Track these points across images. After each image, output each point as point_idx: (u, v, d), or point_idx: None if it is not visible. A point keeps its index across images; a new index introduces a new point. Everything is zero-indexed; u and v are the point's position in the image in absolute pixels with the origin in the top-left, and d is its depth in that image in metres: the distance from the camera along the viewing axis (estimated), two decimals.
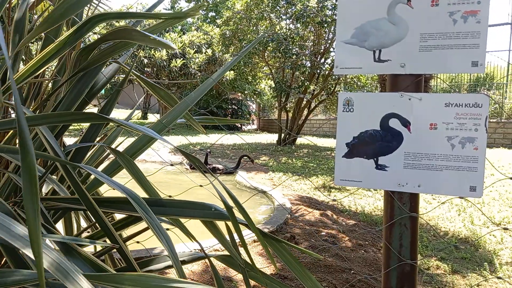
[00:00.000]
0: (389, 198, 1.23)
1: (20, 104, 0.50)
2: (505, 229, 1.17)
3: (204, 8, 25.59)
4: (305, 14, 8.56)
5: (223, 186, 0.92)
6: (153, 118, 20.93)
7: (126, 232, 1.36)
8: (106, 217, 1.44)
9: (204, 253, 1.10)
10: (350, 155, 1.24)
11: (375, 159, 1.21)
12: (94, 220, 0.98)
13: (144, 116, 20.34)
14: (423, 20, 1.15)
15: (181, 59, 14.99)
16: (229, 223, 1.11)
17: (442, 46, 1.13)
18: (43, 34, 1.55)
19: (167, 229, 1.32)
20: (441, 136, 1.14)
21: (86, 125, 1.40)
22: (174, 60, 14.87)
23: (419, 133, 1.16)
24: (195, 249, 2.40)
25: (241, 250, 2.75)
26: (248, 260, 1.01)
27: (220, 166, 6.89)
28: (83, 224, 1.57)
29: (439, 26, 1.13)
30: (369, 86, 10.53)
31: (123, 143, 1.55)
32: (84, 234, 1.35)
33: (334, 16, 8.76)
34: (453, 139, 1.13)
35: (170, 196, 1.34)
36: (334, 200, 1.59)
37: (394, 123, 1.18)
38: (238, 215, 0.97)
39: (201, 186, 1.35)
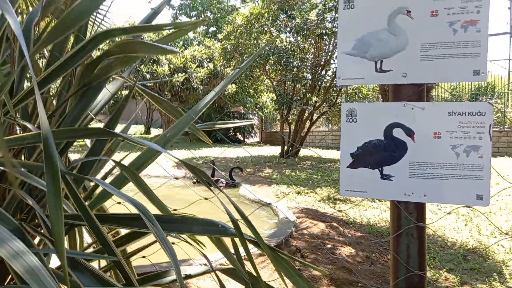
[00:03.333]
0: (395, 208, 1.23)
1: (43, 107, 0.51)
2: None
3: (205, 24, 25.93)
4: (305, 27, 8.66)
5: (231, 201, 0.92)
6: (156, 133, 21.01)
7: (132, 247, 1.35)
8: (111, 231, 1.44)
9: (210, 266, 1.09)
10: (355, 165, 1.24)
11: (380, 169, 1.21)
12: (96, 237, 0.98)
13: (147, 131, 20.42)
14: (423, 30, 1.16)
15: (183, 73, 15.12)
16: (236, 239, 1.10)
17: (443, 55, 1.14)
18: (46, 52, 1.57)
19: (173, 243, 1.31)
20: (446, 145, 1.14)
21: (89, 140, 1.41)
22: (176, 74, 15.00)
23: (423, 142, 1.16)
24: (200, 264, 2.38)
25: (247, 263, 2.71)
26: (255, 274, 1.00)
27: (223, 180, 6.88)
28: (88, 239, 1.57)
29: (439, 35, 1.14)
30: (371, 97, 10.56)
31: (125, 158, 1.56)
32: (90, 250, 1.34)
33: (334, 29, 8.86)
34: (458, 148, 1.12)
35: (175, 210, 1.33)
36: (340, 211, 1.58)
37: (397, 133, 1.19)
38: (244, 228, 0.97)
39: (206, 199, 1.35)
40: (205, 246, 1.21)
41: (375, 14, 1.22)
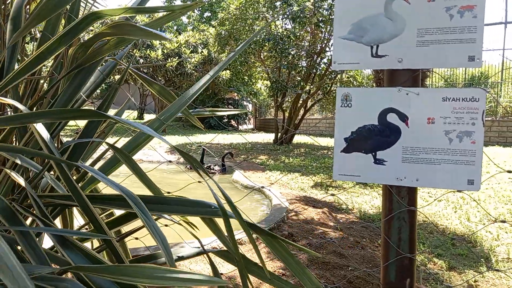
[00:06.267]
0: (388, 192, 1.24)
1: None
2: (503, 221, 1.18)
3: (200, 8, 25.54)
4: (301, 14, 8.57)
5: (219, 188, 0.92)
6: (149, 118, 20.86)
7: (125, 229, 1.35)
8: (105, 213, 1.44)
9: (202, 248, 1.10)
10: (349, 150, 1.24)
11: (373, 153, 1.22)
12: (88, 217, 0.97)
13: (140, 116, 20.27)
14: (420, 16, 1.15)
15: (177, 59, 14.95)
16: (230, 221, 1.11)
17: (439, 41, 1.14)
18: (36, 32, 1.54)
19: (166, 225, 1.32)
20: (439, 130, 1.14)
21: (82, 124, 1.39)
22: (170, 59, 14.82)
23: (417, 127, 1.17)
24: (193, 247, 2.40)
25: (244, 247, 2.74)
26: (255, 259, 1.01)
27: (216, 167, 6.90)
28: (81, 221, 1.57)
29: (436, 21, 1.14)
30: (365, 85, 10.55)
31: (117, 143, 1.55)
32: (83, 231, 1.34)
33: (330, 16, 8.78)
34: (451, 133, 1.13)
35: (168, 193, 1.33)
36: (332, 194, 1.59)
37: (392, 118, 1.19)
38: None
39: (199, 182, 1.35)
40: (198, 229, 1.22)
41: None
